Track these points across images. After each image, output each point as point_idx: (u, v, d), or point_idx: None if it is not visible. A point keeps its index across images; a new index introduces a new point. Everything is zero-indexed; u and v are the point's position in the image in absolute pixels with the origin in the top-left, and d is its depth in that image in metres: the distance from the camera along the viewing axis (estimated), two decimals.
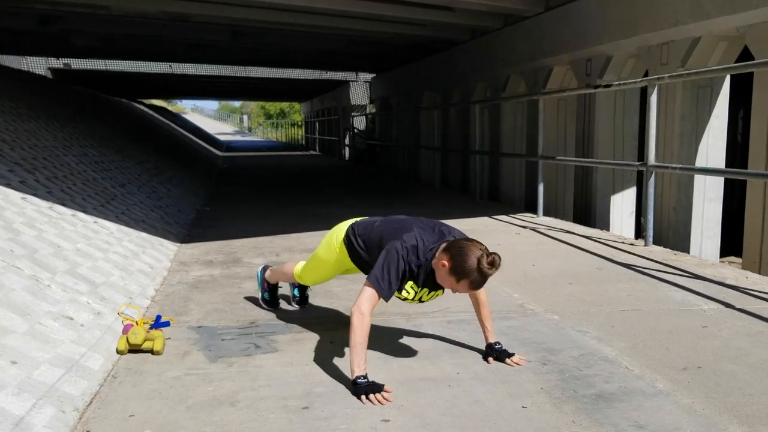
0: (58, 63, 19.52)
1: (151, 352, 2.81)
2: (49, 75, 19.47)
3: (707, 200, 6.93)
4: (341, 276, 3.29)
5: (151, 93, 34.36)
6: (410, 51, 14.64)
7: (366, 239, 2.76)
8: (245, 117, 78.05)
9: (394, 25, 11.76)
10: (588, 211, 8.79)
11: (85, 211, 4.74)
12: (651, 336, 3.07)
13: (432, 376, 2.58)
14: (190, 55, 17.00)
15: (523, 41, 10.10)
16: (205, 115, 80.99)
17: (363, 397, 2.34)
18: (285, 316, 3.43)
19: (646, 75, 7.64)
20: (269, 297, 3.57)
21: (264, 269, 3.59)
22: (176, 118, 33.11)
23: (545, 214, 7.49)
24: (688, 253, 6.43)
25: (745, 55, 6.40)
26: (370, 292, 2.49)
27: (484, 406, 2.31)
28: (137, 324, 2.89)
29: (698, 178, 6.88)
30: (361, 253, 2.77)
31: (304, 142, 37.15)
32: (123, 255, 4.26)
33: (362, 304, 2.47)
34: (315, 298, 3.71)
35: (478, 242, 2.45)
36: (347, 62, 18.80)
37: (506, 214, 7.76)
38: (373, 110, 21.84)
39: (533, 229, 6.47)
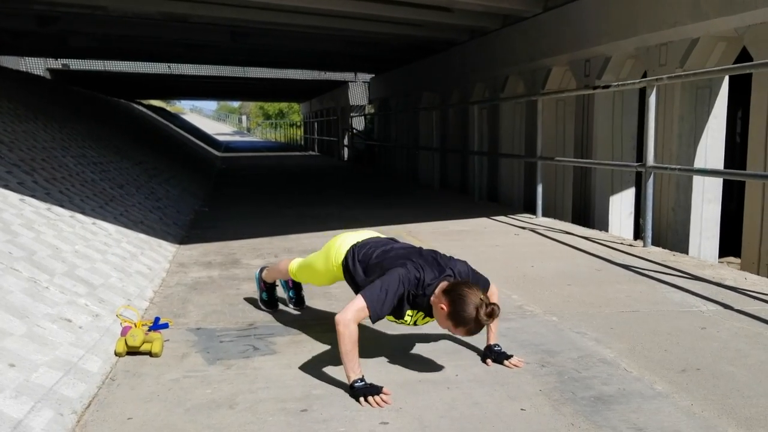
0: (56, 64, 19.49)
1: (150, 354, 2.80)
2: (47, 76, 19.44)
3: (706, 201, 6.93)
4: None
5: (150, 93, 34.34)
6: (409, 51, 14.64)
7: (366, 267, 2.70)
8: (244, 117, 78.02)
9: (393, 26, 11.76)
10: (587, 211, 8.79)
11: (83, 213, 4.74)
12: (650, 337, 3.07)
13: (431, 378, 2.58)
14: (189, 55, 17.00)
15: (522, 42, 10.11)
16: (203, 116, 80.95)
17: (362, 399, 2.33)
18: (283, 318, 3.43)
19: (644, 76, 7.65)
20: (267, 297, 3.56)
21: (262, 270, 3.59)
22: (175, 118, 33.10)
23: (544, 214, 7.49)
24: (687, 253, 6.44)
25: (744, 55, 6.41)
26: (360, 306, 2.45)
27: (483, 408, 2.31)
28: (135, 326, 2.89)
29: (697, 179, 6.88)
30: (358, 279, 2.72)
31: (302, 143, 37.15)
32: (121, 256, 4.25)
33: (348, 314, 2.43)
34: (313, 300, 3.71)
35: (477, 289, 2.41)
36: (346, 63, 18.80)
37: (505, 214, 7.76)
38: (372, 111, 21.84)
39: (532, 230, 6.47)
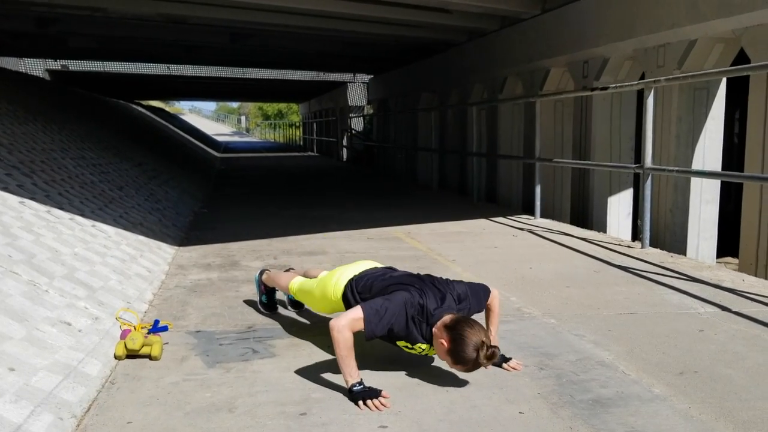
0: (55, 64, 19.48)
1: (149, 357, 2.81)
2: (46, 77, 19.44)
3: (704, 202, 6.94)
4: None
5: (149, 94, 34.33)
6: (408, 52, 14.65)
7: (367, 298, 2.68)
8: (243, 118, 77.97)
9: (391, 27, 11.76)
10: (585, 212, 8.80)
11: (83, 215, 4.74)
12: (647, 340, 3.08)
13: (429, 381, 2.59)
14: (188, 56, 16.99)
15: (520, 43, 10.11)
16: (202, 116, 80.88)
17: (360, 403, 2.34)
18: (283, 321, 3.44)
19: (642, 77, 7.65)
20: (267, 300, 3.57)
21: (261, 273, 3.60)
22: (174, 119, 33.07)
23: (542, 215, 7.50)
24: (685, 254, 6.45)
25: (742, 56, 6.42)
26: (357, 316, 2.46)
27: (482, 411, 2.32)
28: (135, 329, 2.90)
29: (695, 180, 6.89)
30: None
31: (301, 143, 37.14)
32: (121, 259, 4.26)
33: (342, 321, 2.44)
34: None
35: (479, 329, 2.40)
36: (344, 63, 18.81)
37: (503, 215, 7.78)
38: (371, 111, 21.85)
39: (530, 231, 6.48)
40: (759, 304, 3.69)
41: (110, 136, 10.14)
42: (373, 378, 2.52)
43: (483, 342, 2.36)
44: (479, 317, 2.80)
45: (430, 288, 2.61)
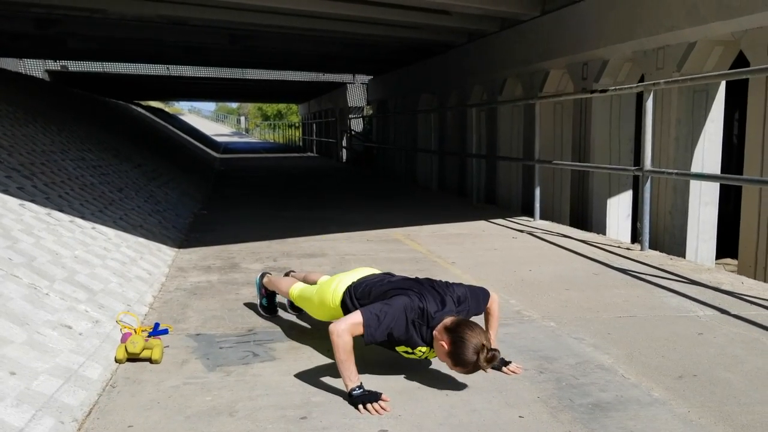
0: (55, 65, 19.50)
1: (150, 360, 2.82)
2: (46, 77, 19.45)
3: (703, 204, 6.95)
4: None
5: (149, 95, 34.35)
6: (407, 53, 14.66)
7: (366, 305, 2.67)
8: (242, 118, 77.96)
9: (391, 29, 11.78)
10: (584, 214, 8.81)
11: (83, 217, 4.75)
12: (647, 343, 3.08)
13: (429, 385, 2.59)
14: (188, 57, 17.01)
15: (520, 45, 10.13)
16: (202, 117, 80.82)
17: (360, 406, 2.35)
18: (283, 324, 3.44)
19: (641, 79, 7.66)
20: (267, 303, 3.58)
21: (262, 276, 3.60)
22: (173, 119, 33.06)
23: (542, 217, 7.51)
24: (684, 256, 6.46)
25: (741, 59, 6.43)
26: (357, 321, 2.47)
27: (482, 415, 2.33)
28: (135, 332, 2.90)
29: (694, 182, 6.90)
30: None
31: (301, 144, 37.16)
32: (121, 261, 4.26)
33: (342, 325, 2.45)
34: None
35: (480, 331, 2.41)
36: (344, 64, 18.82)
37: (503, 217, 7.78)
38: (371, 112, 21.85)
39: (530, 233, 6.48)
40: (758, 307, 3.70)
41: (110, 137, 10.15)
42: (372, 382, 2.53)
43: (483, 345, 2.37)
44: (479, 320, 2.80)
45: (429, 291, 2.62)
